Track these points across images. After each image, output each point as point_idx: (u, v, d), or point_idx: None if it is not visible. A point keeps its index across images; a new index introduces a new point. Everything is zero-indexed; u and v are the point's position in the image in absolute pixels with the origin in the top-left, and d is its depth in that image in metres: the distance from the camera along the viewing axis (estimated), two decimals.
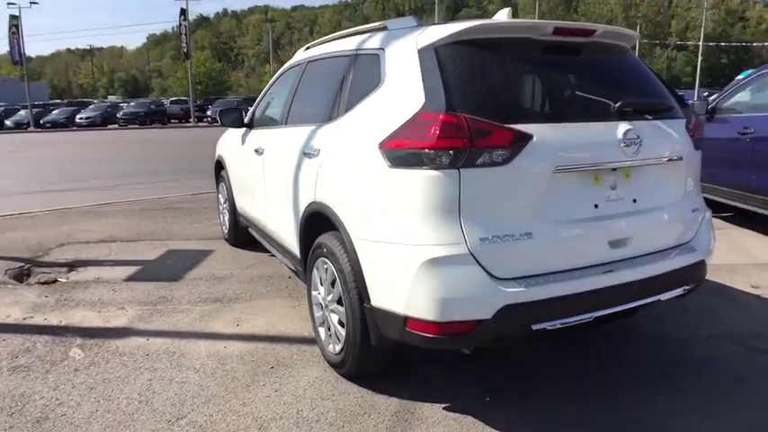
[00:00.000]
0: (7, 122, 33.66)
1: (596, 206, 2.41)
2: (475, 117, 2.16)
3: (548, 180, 2.27)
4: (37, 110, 35.02)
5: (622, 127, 2.42)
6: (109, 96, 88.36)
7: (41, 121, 33.42)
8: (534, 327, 2.21)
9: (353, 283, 2.49)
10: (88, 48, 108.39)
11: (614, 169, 2.45)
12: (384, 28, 2.86)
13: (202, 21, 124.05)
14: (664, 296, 2.56)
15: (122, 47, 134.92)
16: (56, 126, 33.16)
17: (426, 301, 2.14)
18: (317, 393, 2.69)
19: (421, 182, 2.18)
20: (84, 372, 2.94)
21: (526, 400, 2.61)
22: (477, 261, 2.14)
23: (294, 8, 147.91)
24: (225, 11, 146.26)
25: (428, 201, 2.17)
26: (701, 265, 2.72)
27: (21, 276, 4.65)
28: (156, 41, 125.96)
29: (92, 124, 33.56)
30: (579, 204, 2.38)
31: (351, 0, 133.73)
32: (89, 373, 2.92)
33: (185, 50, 32.20)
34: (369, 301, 2.41)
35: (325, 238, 2.75)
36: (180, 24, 31.34)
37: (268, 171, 3.73)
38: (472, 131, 2.14)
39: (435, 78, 2.27)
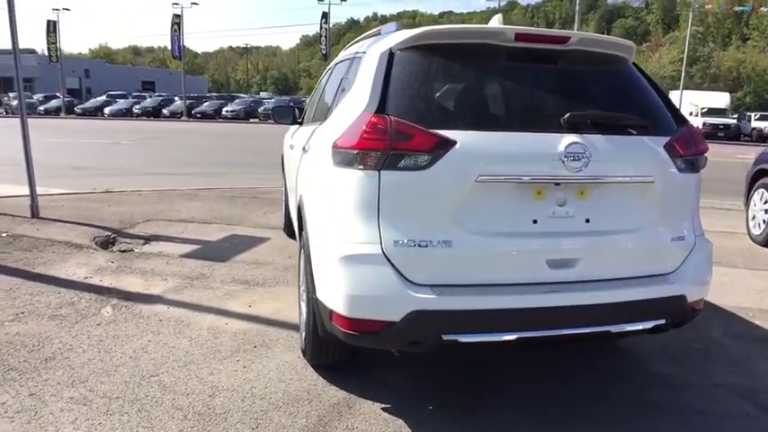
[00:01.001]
0: (164, 111, 37.92)
1: (535, 222, 2.32)
2: (400, 120, 2.22)
3: (469, 189, 2.24)
4: (190, 101, 38.98)
5: (566, 140, 2.28)
6: (261, 92, 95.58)
7: (193, 112, 37.19)
8: (445, 337, 2.20)
9: (310, 275, 2.63)
10: (245, 46, 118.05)
11: (558, 184, 2.32)
12: (378, 33, 2.97)
13: (352, 24, 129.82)
14: (616, 328, 2.39)
15: (278, 46, 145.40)
16: (205, 117, 36.71)
17: (341, 295, 2.25)
18: (277, 375, 2.87)
19: (347, 180, 2.29)
20: (104, 327, 3.39)
21: (464, 420, 2.57)
22: (391, 263, 2.20)
23: (442, 14, 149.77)
24: (375, 15, 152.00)
25: (351, 199, 2.27)
26: (679, 301, 2.48)
27: (106, 244, 5.36)
28: (308, 42, 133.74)
29: (236, 117, 36.70)
30: (512, 218, 2.30)
31: (499, 7, 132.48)
32: (106, 329, 3.36)
33: (324, 52, 34.12)
34: (315, 292, 2.55)
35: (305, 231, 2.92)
36: (321, 27, 33.27)
37: (291, 165, 3.99)
38: (393, 134, 2.19)
39: (382, 81, 2.36)
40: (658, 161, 2.47)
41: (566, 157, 2.27)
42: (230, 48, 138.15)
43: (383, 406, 2.62)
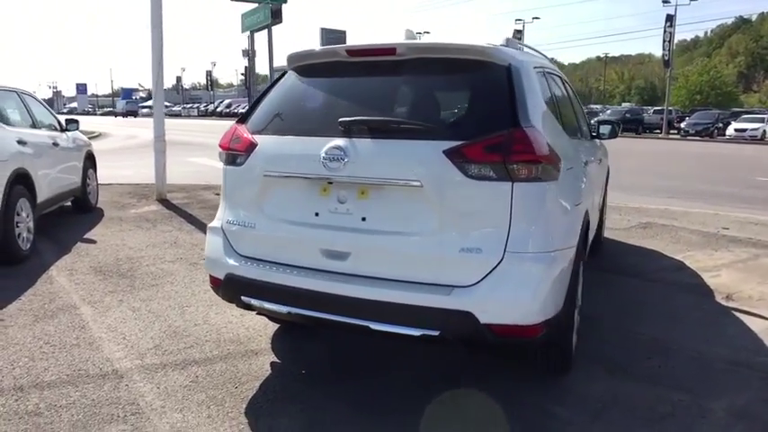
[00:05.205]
0: None
1: (317, 214, 2.66)
2: (239, 127, 2.93)
3: (261, 182, 2.77)
4: None
5: (330, 143, 2.55)
6: (623, 103, 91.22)
7: None
8: (243, 298, 2.80)
9: None
10: (605, 55, 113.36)
11: (331, 182, 2.61)
12: None
13: (742, 23, 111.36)
14: (377, 326, 2.49)
15: (650, 54, 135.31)
16: None
17: (205, 256, 3.09)
18: (252, 324, 3.77)
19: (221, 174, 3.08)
20: None
21: (315, 384, 3.04)
22: (225, 236, 2.93)
23: None
24: None
25: (221, 188, 3.07)
26: (462, 318, 2.39)
27: None
28: (684, 48, 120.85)
29: None
30: (299, 209, 2.71)
31: None
32: None
33: (666, 59, 31.05)
34: None
35: None
36: (664, 31, 30.23)
37: None
38: (231, 138, 2.93)
39: (261, 96, 3.12)
40: (429, 166, 2.45)
41: (325, 158, 2.56)
42: (597, 58, 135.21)
43: (273, 360, 3.30)
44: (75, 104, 79.88)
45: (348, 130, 2.60)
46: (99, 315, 3.91)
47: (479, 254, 2.43)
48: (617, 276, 5.10)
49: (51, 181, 5.96)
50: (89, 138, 8.56)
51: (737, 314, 4.19)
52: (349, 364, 3.33)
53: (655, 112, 38.23)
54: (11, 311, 3.93)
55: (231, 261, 2.87)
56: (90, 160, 7.55)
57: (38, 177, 5.45)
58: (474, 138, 2.45)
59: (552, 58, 4.53)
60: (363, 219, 2.60)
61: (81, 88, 79.80)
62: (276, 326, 3.76)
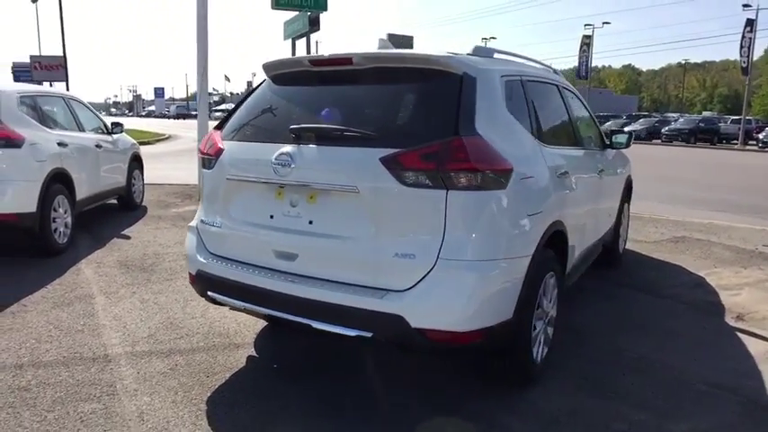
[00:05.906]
0: None
1: (272, 217, 2.82)
2: (214, 132, 3.15)
3: (226, 185, 2.97)
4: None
5: (280, 149, 2.71)
6: (704, 112, 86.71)
7: None
8: (209, 293, 3.00)
9: None
10: (684, 61, 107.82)
11: (282, 186, 2.76)
12: None
13: None
14: (317, 324, 2.60)
15: (735, 60, 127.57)
16: None
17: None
18: (243, 321, 3.99)
19: None
20: None
21: (284, 380, 3.19)
22: (199, 234, 3.15)
23: None
24: None
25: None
26: (393, 321, 2.46)
27: None
28: None
29: (636, 138, 35.20)
30: (257, 211, 2.88)
31: None
32: None
33: (744, 65, 29.26)
34: None
35: None
36: (743, 36, 28.44)
37: None
38: (207, 143, 3.15)
39: (238, 103, 3.33)
40: (366, 172, 2.54)
41: (275, 163, 2.72)
42: (678, 64, 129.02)
43: (250, 354, 3.50)
44: (152, 107, 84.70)
45: (298, 137, 2.76)
46: (110, 305, 4.24)
47: (412, 259, 2.50)
48: (627, 291, 4.97)
49: (92, 180, 6.47)
50: (158, 140, 9.16)
51: (742, 335, 4.02)
52: (323, 363, 3.45)
53: (733, 121, 36.05)
54: (35, 298, 4.34)
55: (201, 258, 3.09)
56: (137, 161, 8.10)
57: (77, 176, 5.94)
58: (412, 146, 2.52)
59: (554, 69, 4.47)
60: (311, 222, 2.74)
61: (159, 92, 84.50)
62: (265, 322, 3.95)
